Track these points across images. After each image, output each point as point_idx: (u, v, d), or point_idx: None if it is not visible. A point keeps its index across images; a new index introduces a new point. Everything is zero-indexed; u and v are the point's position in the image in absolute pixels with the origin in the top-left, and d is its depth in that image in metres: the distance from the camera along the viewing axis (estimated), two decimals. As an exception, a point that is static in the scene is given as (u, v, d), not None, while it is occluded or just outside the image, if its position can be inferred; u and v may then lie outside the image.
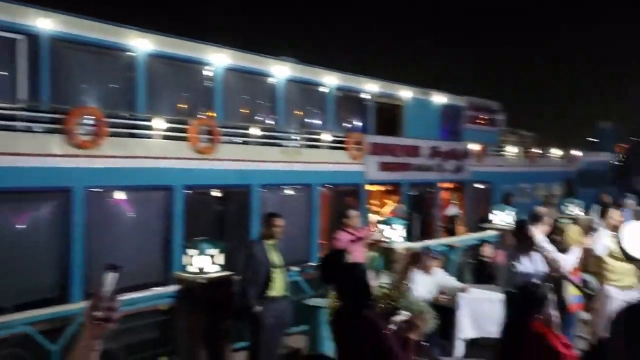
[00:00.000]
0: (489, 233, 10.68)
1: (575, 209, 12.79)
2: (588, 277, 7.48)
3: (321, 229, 14.73)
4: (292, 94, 15.46)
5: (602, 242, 6.61)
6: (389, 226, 8.62)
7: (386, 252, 8.18)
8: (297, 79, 15.43)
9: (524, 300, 4.05)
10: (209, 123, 12.35)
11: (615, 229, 6.70)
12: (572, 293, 6.44)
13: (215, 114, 13.38)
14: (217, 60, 13.20)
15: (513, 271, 5.47)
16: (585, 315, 7.17)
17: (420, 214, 17.71)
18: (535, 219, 6.40)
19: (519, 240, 5.60)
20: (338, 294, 4.00)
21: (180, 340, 6.57)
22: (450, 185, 20.42)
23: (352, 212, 7.73)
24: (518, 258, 5.47)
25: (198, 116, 13.02)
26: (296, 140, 14.22)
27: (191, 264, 6.48)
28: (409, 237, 15.20)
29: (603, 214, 10.75)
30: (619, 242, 6.40)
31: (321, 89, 16.33)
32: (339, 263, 4.37)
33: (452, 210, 17.65)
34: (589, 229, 6.88)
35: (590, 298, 6.44)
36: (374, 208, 17.60)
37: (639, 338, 1.92)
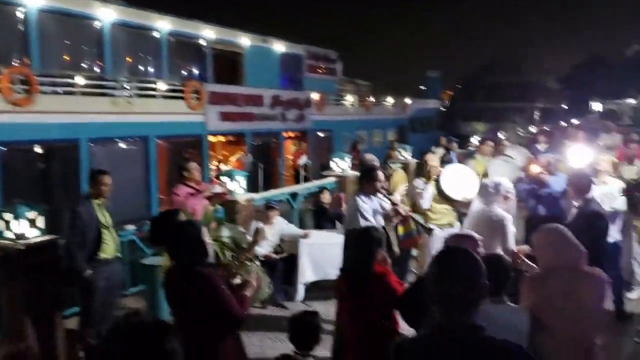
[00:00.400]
0: (330, 180, 10.90)
1: (406, 154, 13.50)
2: (417, 217, 7.93)
3: (161, 184, 14.09)
4: (120, 40, 14.29)
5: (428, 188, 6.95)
6: (231, 178, 8.37)
7: (228, 205, 7.98)
8: (126, 22, 14.28)
9: (363, 241, 4.11)
10: (24, 71, 11.00)
11: (433, 172, 7.09)
12: (401, 232, 6.78)
13: (30, 61, 11.95)
14: (31, 0, 11.71)
15: (354, 214, 5.51)
16: (414, 252, 7.63)
17: (265, 164, 17.70)
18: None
19: (364, 184, 5.66)
20: (169, 254, 3.70)
21: (2, 313, 5.90)
22: (293, 135, 20.64)
23: (192, 165, 7.31)
24: (361, 200, 5.54)
25: (11, 64, 11.55)
26: (127, 89, 13.23)
27: (8, 230, 5.78)
28: (255, 188, 15.20)
29: (444, 157, 11.50)
30: (437, 184, 6.82)
31: (154, 34, 15.30)
32: (172, 221, 4.04)
33: (303, 159, 17.88)
34: (429, 170, 7.14)
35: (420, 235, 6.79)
36: (218, 159, 17.22)
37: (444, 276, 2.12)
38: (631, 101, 52.79)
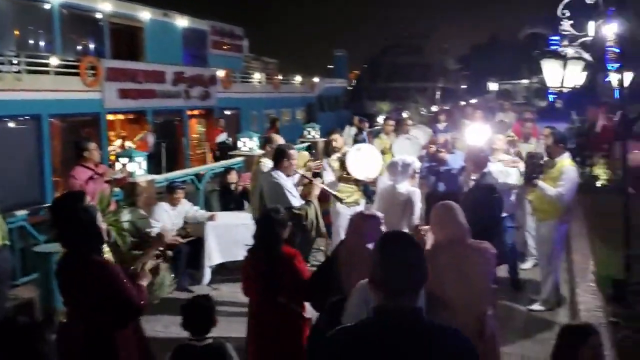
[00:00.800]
0: (237, 160, 10.72)
1: (314, 133, 13.54)
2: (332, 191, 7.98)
3: (56, 166, 13.27)
4: (6, 12, 13.21)
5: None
6: (130, 159, 7.99)
7: (127, 186, 7.63)
8: (12, -8, 13.22)
9: (266, 223, 4.08)
10: None
11: (336, 151, 7.18)
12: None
13: None
14: None
15: (279, 191, 5.44)
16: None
17: (169, 143, 17.14)
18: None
19: (279, 164, 5.61)
20: (63, 241, 3.45)
21: None
22: (198, 113, 20.11)
23: (91, 145, 6.87)
24: (282, 178, 5.47)
25: None
26: (15, 65, 12.26)
27: None
28: (158, 169, 14.68)
29: (356, 137, 11.61)
30: (342, 164, 6.91)
31: (45, 6, 14.25)
32: (72, 205, 3.75)
33: (222, 137, 17.47)
34: (332, 149, 7.20)
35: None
36: (121, 138, 16.45)
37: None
38: (524, 81, 56.14)
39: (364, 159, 6.94)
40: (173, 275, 6.80)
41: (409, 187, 5.35)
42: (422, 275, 2.10)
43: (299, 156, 6.31)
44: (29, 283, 6.89)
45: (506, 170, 6.75)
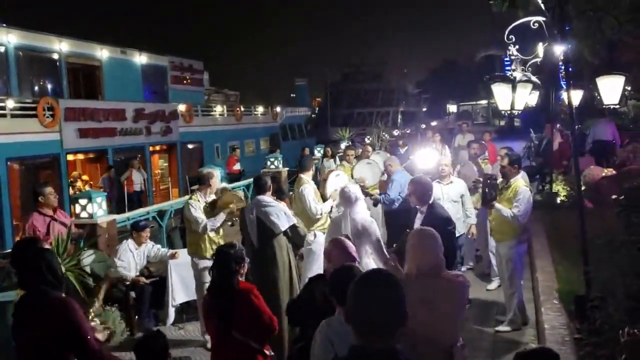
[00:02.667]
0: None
1: (277, 163, 13.55)
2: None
3: (15, 210, 12.95)
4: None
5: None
6: (90, 200, 7.85)
7: (89, 228, 7.49)
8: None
9: (222, 259, 4.06)
10: None
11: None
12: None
13: None
14: None
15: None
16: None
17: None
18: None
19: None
20: (23, 282, 3.43)
21: None
22: (159, 148, 19.95)
23: (47, 190, 6.67)
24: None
25: None
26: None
27: None
28: (120, 208, 14.42)
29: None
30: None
31: (-1, 48, 14.05)
32: (30, 250, 3.69)
33: (237, 166, 17.72)
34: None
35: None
36: (79, 179, 16.14)
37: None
38: (483, 102, 57.43)
39: (343, 183, 6.98)
40: (137, 317, 6.70)
41: (362, 215, 5.25)
42: (400, 316, 2.02)
43: (228, 194, 6.25)
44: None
45: (457, 192, 6.98)
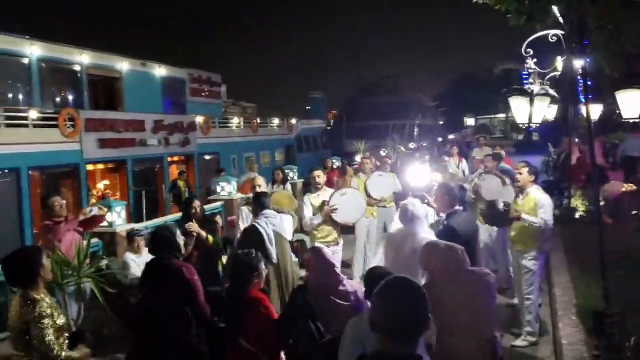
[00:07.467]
0: (216, 204, 10.71)
1: (292, 174, 13.60)
2: (304, 237, 8.01)
3: (36, 218, 13.11)
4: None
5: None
6: (110, 209, 7.96)
7: (106, 237, 7.59)
8: (-9, 48, 13.30)
9: (235, 268, 4.11)
10: None
11: (319, 187, 7.27)
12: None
13: None
14: None
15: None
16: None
17: (149, 190, 17.09)
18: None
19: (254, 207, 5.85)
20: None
21: None
22: (177, 159, 20.13)
23: (52, 200, 6.62)
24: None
25: None
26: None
27: None
28: (139, 217, 14.57)
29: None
30: (322, 205, 7.00)
31: (23, 60, 14.34)
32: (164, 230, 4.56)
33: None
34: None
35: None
36: (99, 189, 16.36)
37: None
38: (501, 116, 57.10)
39: (347, 203, 7.01)
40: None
41: (423, 235, 5.00)
42: (422, 323, 2.05)
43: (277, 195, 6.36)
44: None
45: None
